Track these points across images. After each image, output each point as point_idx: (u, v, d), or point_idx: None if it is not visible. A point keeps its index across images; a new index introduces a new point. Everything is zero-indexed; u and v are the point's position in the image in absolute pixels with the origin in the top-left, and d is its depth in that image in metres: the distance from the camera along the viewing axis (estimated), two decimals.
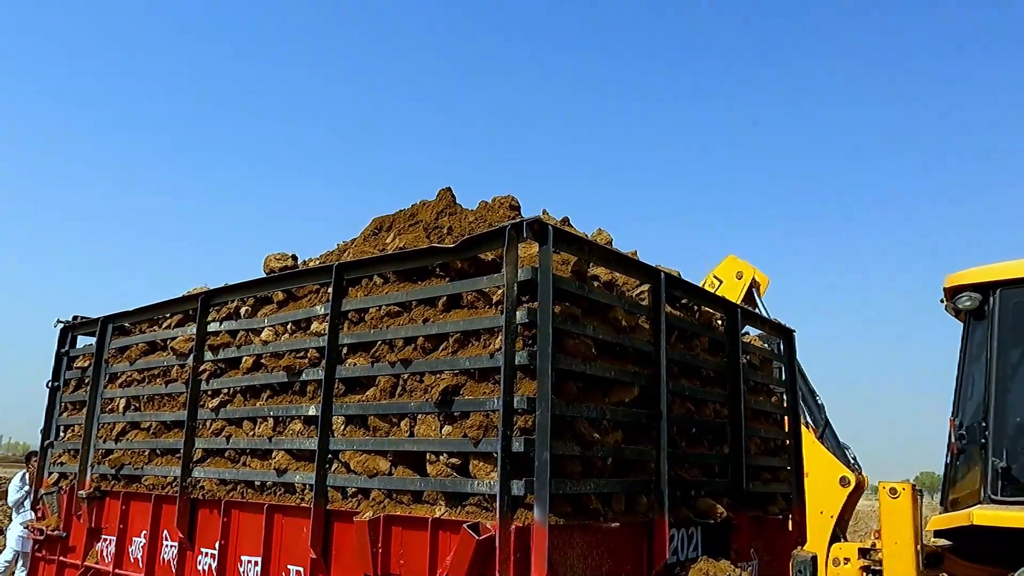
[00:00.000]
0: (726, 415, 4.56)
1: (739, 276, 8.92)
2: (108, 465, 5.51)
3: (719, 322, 4.78)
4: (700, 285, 9.08)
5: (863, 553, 7.46)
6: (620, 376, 3.69)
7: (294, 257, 5.13)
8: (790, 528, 5.23)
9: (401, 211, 4.82)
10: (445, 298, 3.71)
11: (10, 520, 9.57)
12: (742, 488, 4.46)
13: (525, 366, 3.24)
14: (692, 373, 4.39)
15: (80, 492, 5.69)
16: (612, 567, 3.48)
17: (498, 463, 3.14)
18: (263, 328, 4.58)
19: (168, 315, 5.51)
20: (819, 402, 8.41)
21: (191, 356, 4.93)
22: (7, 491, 9.94)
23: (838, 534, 7.81)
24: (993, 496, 5.71)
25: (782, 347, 5.75)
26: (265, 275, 4.83)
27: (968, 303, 6.23)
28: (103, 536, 5.57)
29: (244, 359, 4.61)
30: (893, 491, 7.01)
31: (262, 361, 4.50)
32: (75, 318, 6.65)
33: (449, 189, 4.72)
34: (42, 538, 6.18)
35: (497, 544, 3.07)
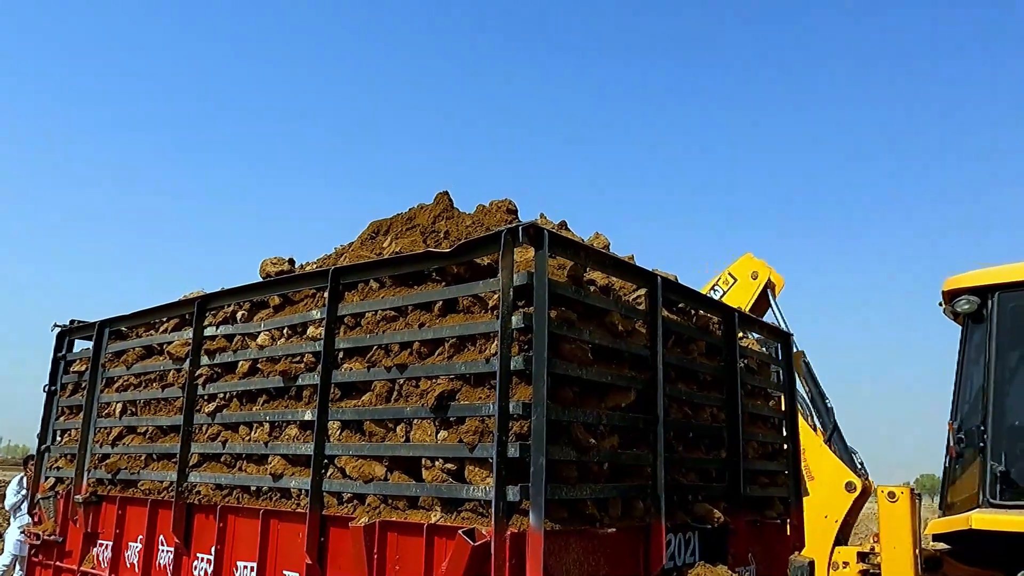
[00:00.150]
0: (723, 419, 4.55)
1: (754, 276, 8.88)
2: (104, 470, 5.50)
3: (716, 326, 4.77)
4: (714, 281, 9.13)
5: (862, 557, 7.49)
6: (616, 380, 3.68)
7: (291, 261, 5.13)
8: (788, 532, 5.22)
9: (399, 215, 4.82)
10: (441, 303, 3.70)
11: (8, 523, 9.60)
12: (739, 492, 4.45)
13: (521, 371, 3.23)
14: (689, 377, 4.38)
15: (76, 497, 5.68)
16: (608, 572, 3.47)
17: (493, 469, 3.13)
18: (259, 332, 4.58)
19: (165, 319, 5.50)
20: (828, 405, 8.39)
21: (187, 360, 4.92)
22: (5, 494, 9.95)
23: (841, 539, 7.81)
24: (992, 500, 5.71)
25: (780, 351, 5.75)
26: (261, 279, 4.82)
27: (966, 306, 6.25)
28: (99, 541, 5.56)
29: (240, 363, 4.60)
30: (891, 495, 7.04)
31: (258, 366, 4.49)
32: (72, 322, 6.64)
33: (446, 193, 4.71)
34: (39, 543, 6.16)
35: (492, 550, 3.05)
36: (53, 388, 6.58)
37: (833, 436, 8.20)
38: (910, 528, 6.80)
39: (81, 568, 5.65)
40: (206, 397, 4.80)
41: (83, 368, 6.22)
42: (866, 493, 7.76)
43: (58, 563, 5.95)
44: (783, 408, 5.48)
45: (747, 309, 8.42)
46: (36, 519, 6.43)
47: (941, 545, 6.81)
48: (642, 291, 4.06)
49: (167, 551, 4.88)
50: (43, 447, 6.50)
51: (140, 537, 5.10)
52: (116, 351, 5.85)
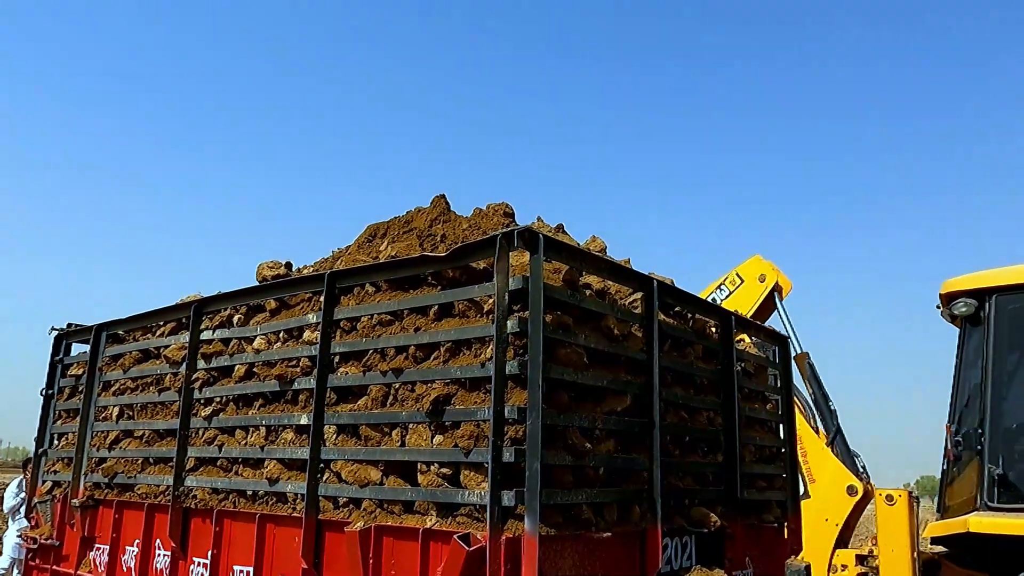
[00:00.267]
0: (720, 423, 4.55)
1: (761, 279, 8.85)
2: (101, 474, 5.49)
3: (713, 329, 4.76)
4: (721, 281, 9.11)
5: (860, 560, 7.48)
6: (612, 385, 3.67)
7: (288, 265, 5.13)
8: (786, 536, 5.20)
9: (396, 218, 4.82)
10: (437, 307, 3.70)
11: (7, 526, 9.59)
12: (736, 496, 4.45)
13: (516, 375, 3.23)
14: (686, 381, 4.38)
15: (73, 501, 5.67)
16: None
17: (488, 473, 3.13)
18: (255, 336, 4.57)
19: (161, 323, 5.50)
20: (832, 408, 8.36)
21: (184, 364, 4.91)
22: (3, 497, 9.94)
23: (842, 542, 7.79)
24: (989, 503, 5.70)
25: (778, 353, 5.74)
26: (258, 283, 4.82)
27: (964, 309, 6.24)
28: (96, 545, 5.55)
29: (236, 368, 4.60)
30: (889, 498, 7.03)
31: (254, 370, 4.49)
32: (69, 326, 6.64)
33: (443, 196, 4.71)
34: (35, 547, 6.15)
35: (487, 555, 3.05)
36: (50, 392, 6.58)
37: (836, 439, 8.17)
38: (908, 531, 6.79)
39: (78, 572, 5.63)
40: (202, 401, 4.80)
41: (80, 372, 6.22)
42: (868, 497, 7.74)
43: (55, 567, 5.95)
44: (780, 411, 5.47)
45: (752, 312, 8.41)
46: (33, 523, 6.43)
47: (939, 548, 6.81)
48: (638, 295, 4.06)
49: (164, 555, 4.88)
50: (40, 451, 6.49)
51: (137, 541, 5.09)
52: (113, 355, 5.84)
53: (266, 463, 4.25)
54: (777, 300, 8.79)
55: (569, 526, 3.29)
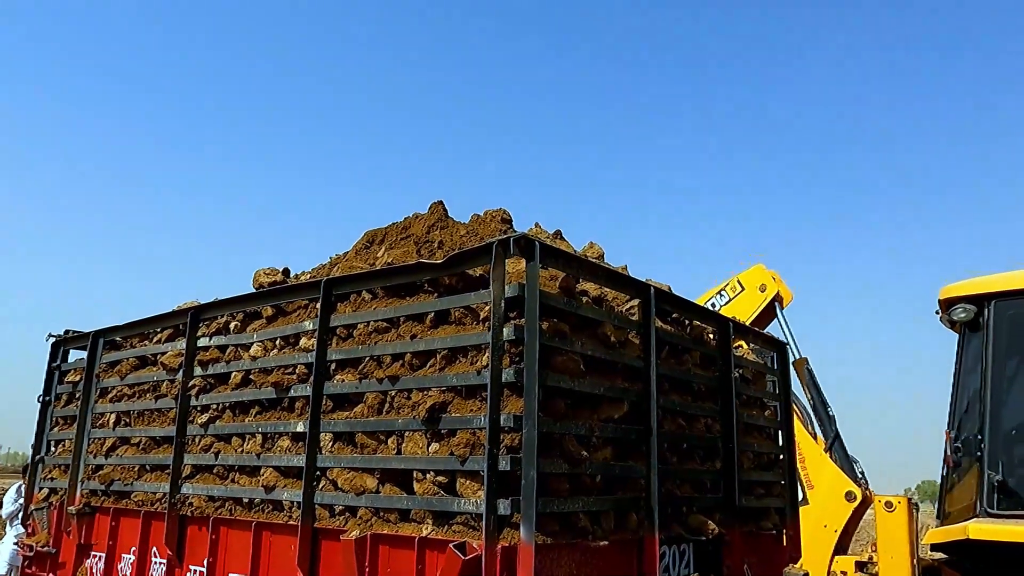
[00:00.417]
0: (718, 430, 4.53)
1: (762, 288, 8.84)
2: (98, 481, 5.47)
3: (711, 336, 4.75)
4: (721, 286, 9.10)
5: (860, 566, 7.45)
6: (609, 392, 3.66)
7: (285, 272, 5.11)
8: (784, 543, 5.18)
9: (394, 224, 4.82)
10: (433, 314, 3.69)
11: (5, 532, 9.55)
12: (735, 503, 4.43)
13: (512, 383, 3.22)
14: (683, 388, 4.36)
15: (70, 508, 5.66)
16: None
17: (484, 482, 3.12)
18: (252, 343, 4.56)
19: (158, 330, 5.49)
20: (830, 413, 8.34)
21: (181, 371, 4.90)
22: (2, 502, 9.90)
23: (841, 548, 7.77)
24: (989, 510, 5.68)
25: (776, 360, 5.73)
26: (254, 290, 4.81)
27: (963, 315, 6.22)
28: (92, 552, 5.53)
29: (233, 375, 4.59)
30: (889, 505, 7.01)
31: (251, 377, 4.47)
32: (67, 332, 6.63)
33: (441, 203, 4.71)
34: (32, 554, 6.13)
35: (483, 564, 3.03)
36: (47, 398, 6.56)
37: (834, 445, 8.15)
38: (907, 538, 6.77)
39: None
40: (199, 408, 4.78)
41: (77, 378, 6.20)
42: (866, 503, 7.71)
43: (51, 575, 5.92)
44: (779, 418, 5.45)
45: (751, 320, 8.39)
46: (30, 530, 6.41)
47: (939, 555, 6.77)
48: (635, 302, 4.05)
49: (160, 563, 4.86)
50: (37, 458, 6.48)
51: (133, 549, 5.07)
52: (110, 361, 5.83)
53: (262, 471, 4.24)
54: (778, 309, 8.78)
55: (565, 534, 3.28)
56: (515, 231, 4.53)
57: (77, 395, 6.09)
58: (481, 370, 3.32)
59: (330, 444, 3.90)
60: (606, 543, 3.47)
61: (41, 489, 6.35)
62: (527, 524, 3.01)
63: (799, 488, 6.83)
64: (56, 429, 6.43)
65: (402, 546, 3.44)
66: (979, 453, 5.86)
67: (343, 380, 3.93)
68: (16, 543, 6.56)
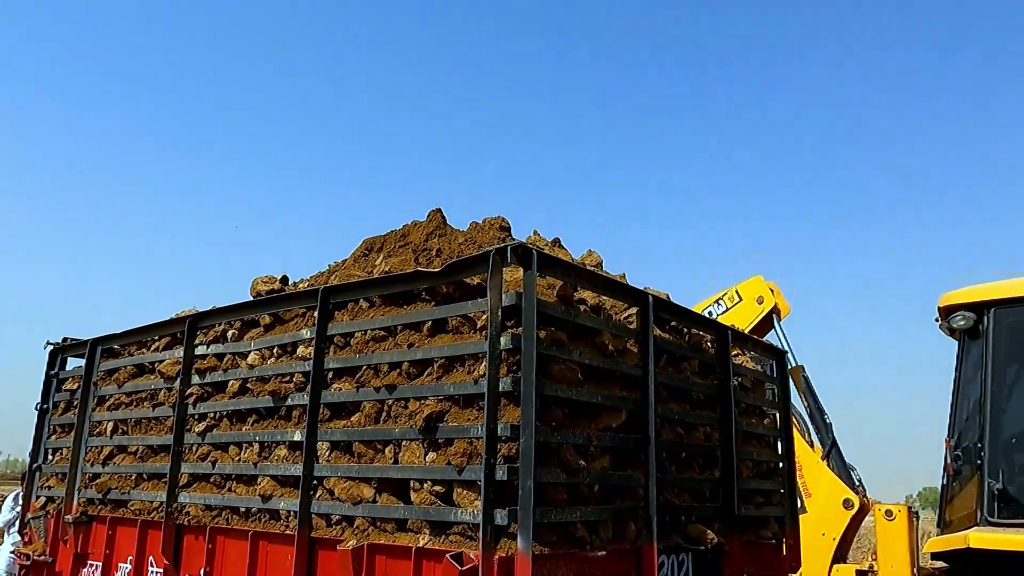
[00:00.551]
0: (717, 438, 4.52)
1: (759, 301, 8.87)
2: (95, 489, 5.46)
3: (709, 344, 4.74)
4: (719, 295, 9.12)
5: (860, 575, 7.42)
6: (607, 401, 3.65)
7: (283, 280, 5.11)
8: (784, 553, 5.16)
9: (392, 232, 4.82)
10: (430, 323, 3.68)
11: (3, 540, 9.52)
12: (734, 512, 4.41)
13: (509, 392, 3.21)
14: (682, 396, 4.35)
15: (67, 516, 5.63)
16: None
17: (481, 491, 3.10)
18: (250, 352, 4.55)
19: (156, 338, 5.47)
20: (827, 421, 8.34)
21: (178, 380, 4.89)
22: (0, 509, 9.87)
23: (840, 556, 7.75)
24: (990, 518, 5.65)
25: (775, 368, 5.71)
26: (252, 298, 4.80)
27: (962, 322, 6.21)
28: (89, 562, 5.50)
29: (230, 383, 4.57)
30: (889, 513, 7.00)
31: (248, 385, 4.46)
32: (65, 340, 6.61)
33: (439, 211, 4.71)
34: (28, 563, 6.11)
35: (480, 574, 3.02)
36: (45, 406, 6.54)
37: (831, 452, 8.14)
38: (907, 546, 6.75)
39: None
40: (196, 417, 4.77)
41: (75, 386, 6.19)
42: (864, 510, 7.70)
43: None
44: (778, 426, 5.44)
45: (747, 331, 8.40)
46: (26, 539, 6.38)
47: (939, 564, 6.75)
48: (633, 310, 4.04)
49: (156, 572, 4.83)
50: (34, 466, 6.46)
51: (130, 558, 5.05)
52: (108, 369, 5.81)
53: (259, 480, 4.22)
54: (776, 321, 8.79)
55: (563, 544, 3.26)
56: (513, 239, 4.54)
57: (75, 403, 6.07)
58: (478, 379, 3.31)
59: (327, 453, 3.89)
60: (604, 553, 3.46)
61: (38, 497, 6.33)
62: (524, 534, 3.00)
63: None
64: (54, 437, 6.41)
65: (399, 556, 3.42)
66: (979, 461, 5.84)
67: (340, 389, 3.92)
68: (13, 552, 6.52)
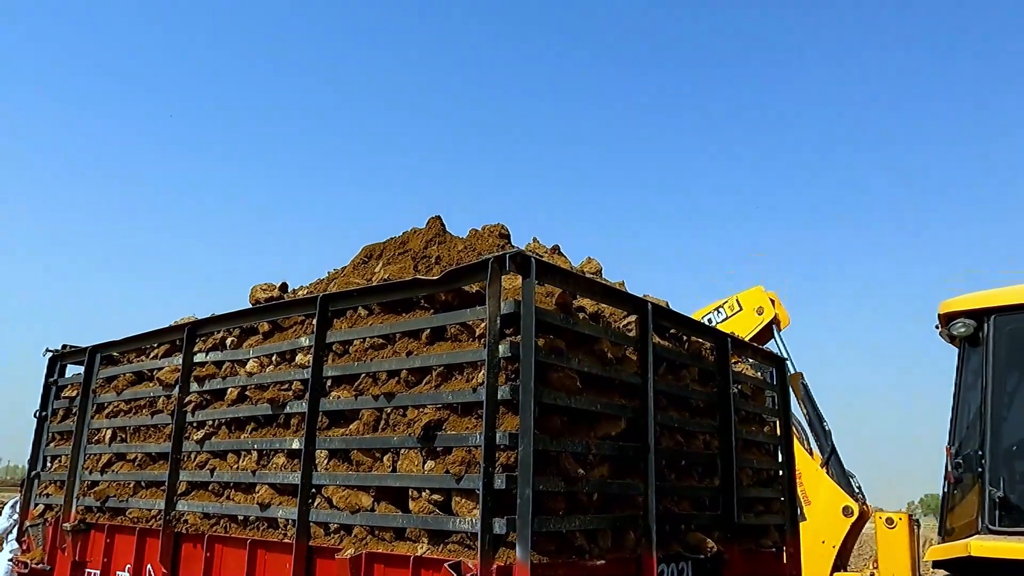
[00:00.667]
0: (717, 446, 4.50)
1: (759, 311, 8.87)
2: (93, 497, 5.44)
3: (709, 352, 4.73)
4: (719, 303, 9.11)
5: None
6: (606, 409, 3.64)
7: (283, 287, 5.11)
8: (784, 561, 5.14)
9: (392, 239, 4.82)
10: (429, 331, 3.67)
11: (2, 547, 9.49)
12: (734, 520, 4.39)
13: (508, 400, 3.20)
14: (681, 404, 4.34)
15: (65, 524, 5.61)
16: None
17: (480, 500, 3.09)
18: (248, 359, 4.54)
19: (155, 345, 5.47)
20: (826, 428, 8.33)
21: (177, 387, 4.88)
22: None
23: (840, 564, 7.72)
24: (991, 526, 5.63)
25: (775, 375, 5.70)
26: (251, 305, 4.80)
27: (963, 330, 6.18)
28: (87, 570, 5.47)
29: (229, 391, 4.57)
30: (890, 521, 6.97)
31: (247, 393, 4.45)
32: (64, 347, 6.60)
33: (439, 218, 4.71)
34: (26, 572, 6.08)
35: None
36: (44, 414, 6.53)
37: (831, 460, 8.12)
38: (908, 554, 6.72)
39: None
40: (195, 424, 4.76)
41: (74, 394, 6.17)
42: (864, 518, 7.68)
43: None
44: (778, 433, 5.42)
45: (747, 340, 8.40)
46: (25, 547, 6.36)
47: (941, 572, 6.72)
48: (633, 317, 4.04)
49: None
50: (33, 473, 6.44)
51: (128, 566, 5.02)
52: (107, 377, 5.80)
53: (258, 488, 4.21)
54: (775, 332, 8.79)
55: (562, 553, 3.25)
56: (513, 246, 4.54)
57: (73, 410, 6.06)
58: (477, 387, 3.30)
59: (325, 461, 3.88)
60: (603, 562, 3.44)
61: (36, 505, 6.31)
62: (523, 543, 2.99)
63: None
64: (52, 444, 6.39)
65: (397, 565, 3.41)
66: (980, 469, 5.81)
67: (339, 397, 3.91)
68: (11, 560, 6.50)
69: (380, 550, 3.49)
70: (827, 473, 7.94)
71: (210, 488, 4.58)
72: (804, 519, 7.50)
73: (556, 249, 5.12)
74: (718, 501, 4.42)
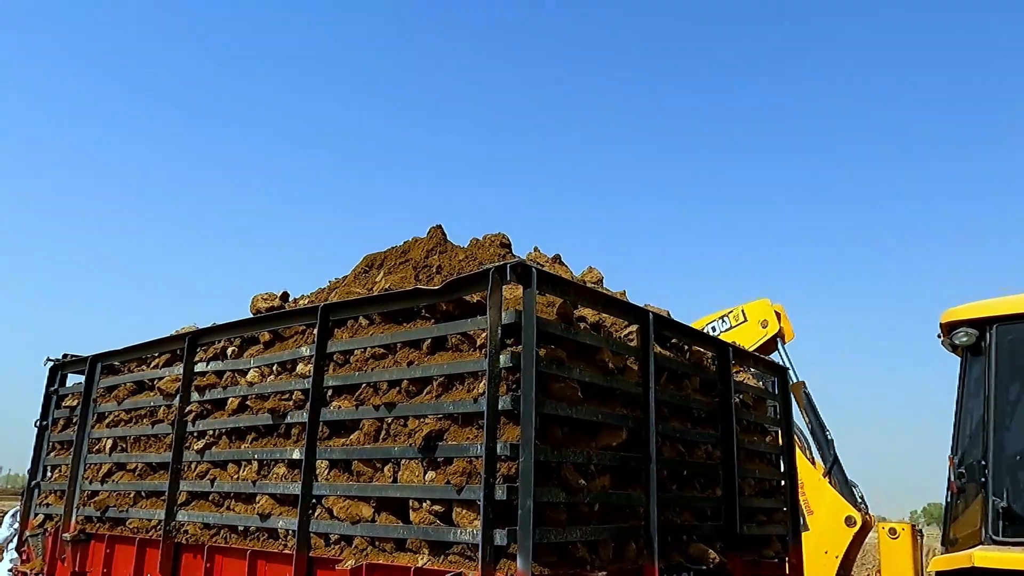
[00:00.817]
0: (718, 456, 4.49)
1: (764, 324, 8.86)
2: (93, 507, 5.42)
3: (710, 361, 4.72)
4: (724, 313, 9.10)
5: None
6: (608, 419, 3.63)
7: (283, 296, 5.10)
8: (787, 571, 5.12)
9: (393, 248, 4.81)
10: (430, 341, 3.67)
11: (2, 557, 9.46)
12: (736, 531, 4.37)
13: (509, 411, 3.19)
14: (683, 414, 4.33)
15: (65, 535, 5.60)
16: None
17: (481, 511, 3.08)
18: (249, 369, 4.54)
19: (156, 354, 5.46)
20: (829, 438, 8.30)
21: (177, 397, 4.88)
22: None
23: (843, 574, 7.68)
24: (994, 536, 5.60)
25: (776, 385, 5.69)
26: (252, 315, 4.79)
27: (964, 339, 6.17)
28: None
29: (230, 400, 4.56)
30: (892, 531, 6.95)
31: (247, 403, 4.44)
32: (65, 356, 6.60)
33: (440, 227, 4.70)
34: None
35: None
36: (44, 423, 6.52)
37: (833, 469, 8.09)
38: (911, 564, 6.69)
39: None
40: (195, 434, 4.75)
41: (75, 403, 6.17)
42: (866, 527, 7.64)
43: None
44: (780, 443, 5.40)
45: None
46: (24, 557, 6.34)
47: None
48: (634, 327, 4.03)
49: None
50: (33, 483, 6.42)
51: None
52: (107, 386, 5.80)
53: (258, 498, 4.20)
54: (780, 344, 8.78)
55: (563, 565, 3.23)
56: (514, 256, 4.53)
57: (74, 420, 6.05)
58: (478, 398, 3.30)
59: (326, 471, 3.87)
60: (604, 573, 3.42)
61: (36, 515, 6.30)
62: (524, 554, 2.97)
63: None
64: (53, 454, 6.38)
65: None
66: (983, 479, 5.79)
67: (339, 407, 3.90)
68: (11, 570, 6.49)
69: (381, 561, 3.48)
70: (829, 483, 7.91)
71: (210, 498, 4.57)
72: (807, 529, 7.49)
73: (557, 258, 5.12)
74: (720, 511, 4.40)
